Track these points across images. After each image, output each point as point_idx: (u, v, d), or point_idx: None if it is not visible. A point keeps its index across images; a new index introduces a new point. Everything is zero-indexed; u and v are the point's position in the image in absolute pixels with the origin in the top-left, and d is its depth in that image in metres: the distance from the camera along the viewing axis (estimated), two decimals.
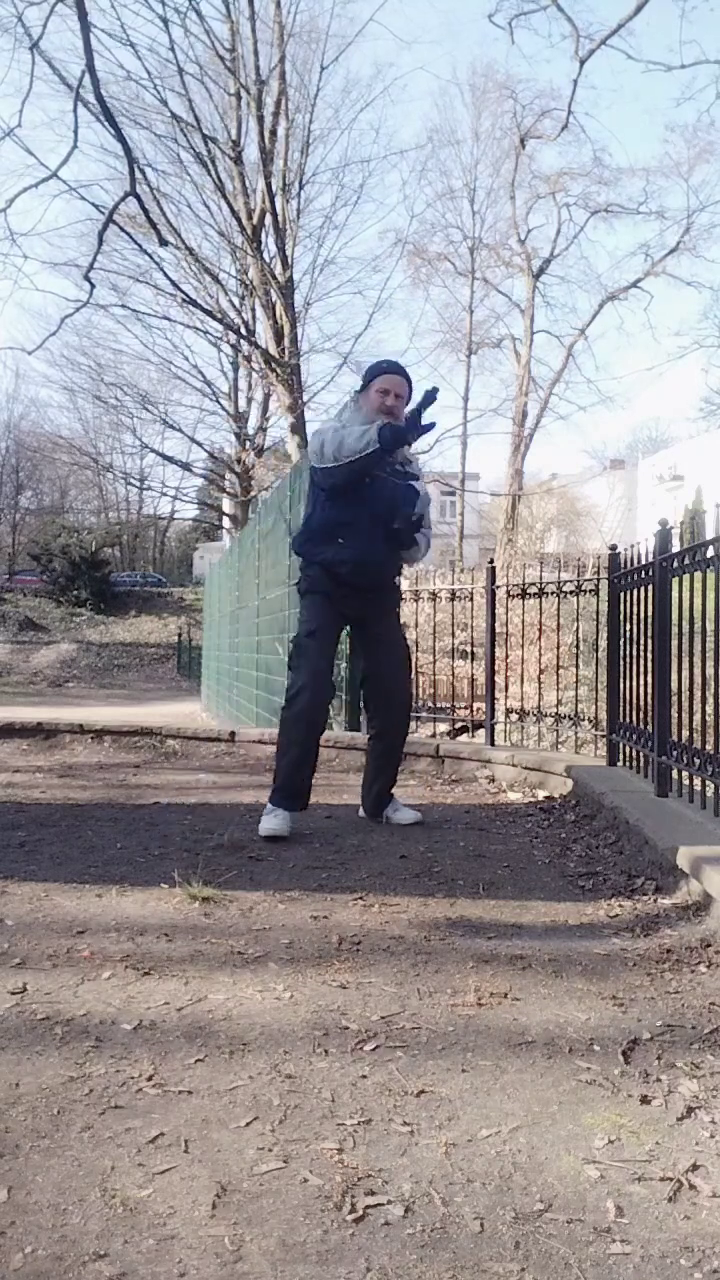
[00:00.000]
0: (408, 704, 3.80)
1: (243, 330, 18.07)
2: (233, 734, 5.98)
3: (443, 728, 6.68)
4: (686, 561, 3.43)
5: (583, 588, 5.02)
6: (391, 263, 30.69)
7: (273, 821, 3.40)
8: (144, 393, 24.62)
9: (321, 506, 3.58)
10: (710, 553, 3.18)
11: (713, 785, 3.14)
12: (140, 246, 13.24)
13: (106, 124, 5.93)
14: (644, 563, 3.89)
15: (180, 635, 31.69)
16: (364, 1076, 1.60)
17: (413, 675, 3.61)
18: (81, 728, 6.10)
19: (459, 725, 6.68)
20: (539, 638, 6.60)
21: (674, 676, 3.57)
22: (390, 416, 3.44)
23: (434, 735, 6.27)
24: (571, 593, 5.09)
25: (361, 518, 3.50)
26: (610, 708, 4.44)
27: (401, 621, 7.07)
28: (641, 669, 3.94)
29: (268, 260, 14.89)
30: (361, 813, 3.83)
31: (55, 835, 3.45)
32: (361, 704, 3.88)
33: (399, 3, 28.92)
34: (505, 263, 26.79)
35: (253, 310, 18.88)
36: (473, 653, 7.87)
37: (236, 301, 19.16)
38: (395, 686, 3.72)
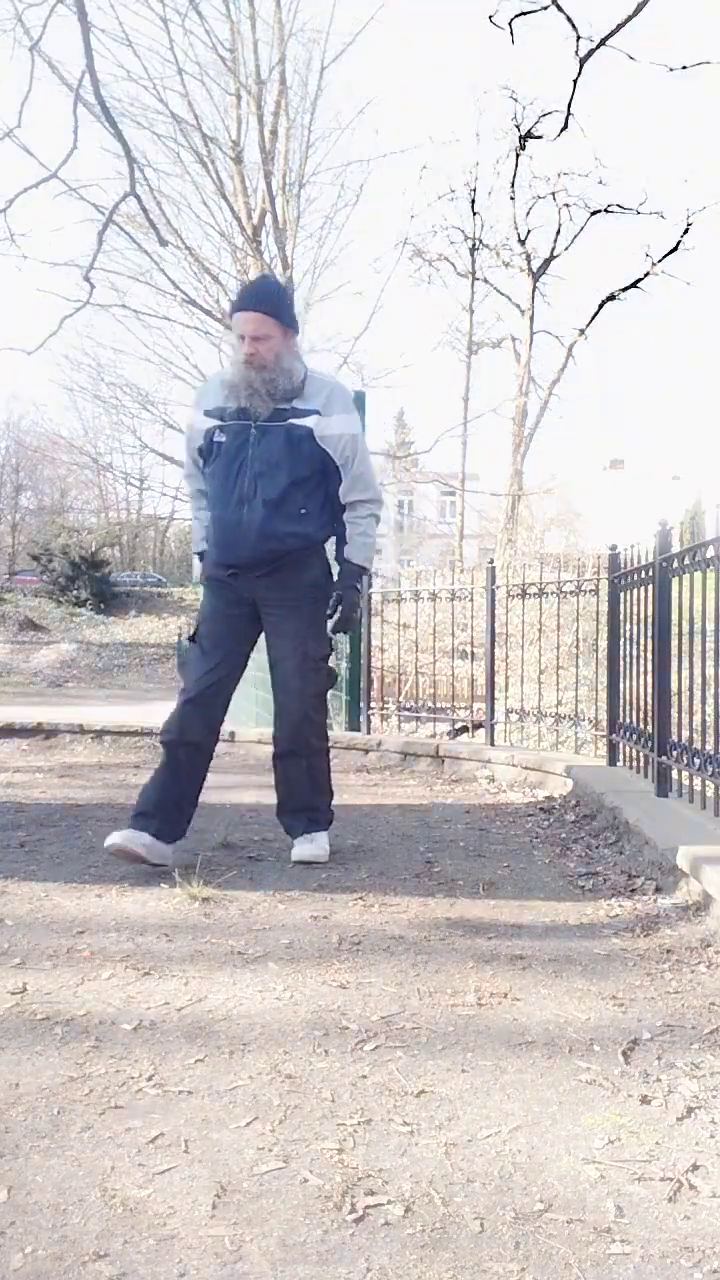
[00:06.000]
0: (300, 711, 2.96)
1: None
2: (232, 734, 5.98)
3: (443, 728, 6.68)
4: (686, 561, 3.43)
5: (583, 588, 5.03)
6: (391, 263, 30.63)
7: (113, 836, 2.86)
8: (144, 393, 24.58)
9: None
10: (710, 553, 3.18)
11: (713, 785, 3.14)
12: (140, 246, 13.22)
13: (106, 124, 5.93)
14: (644, 563, 3.89)
15: (180, 635, 31.65)
16: (364, 1076, 1.60)
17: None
18: (81, 728, 6.10)
19: (459, 725, 6.68)
20: (539, 638, 6.60)
21: (674, 676, 3.57)
22: (253, 365, 2.82)
23: (434, 735, 6.27)
24: (571, 593, 5.09)
25: (229, 480, 2.87)
26: (610, 708, 4.44)
27: (401, 622, 7.12)
28: (641, 669, 3.94)
29: (268, 261, 14.88)
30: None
31: (55, 835, 3.45)
32: None
33: (400, 2, 28.85)
34: (505, 263, 26.77)
35: None
36: (473, 653, 7.86)
37: None
38: (284, 688, 2.97)
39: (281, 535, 2.86)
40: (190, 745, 2.94)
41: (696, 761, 3.26)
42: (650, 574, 3.77)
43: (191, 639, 3.06)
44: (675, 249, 24.80)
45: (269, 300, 2.88)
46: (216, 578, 3.01)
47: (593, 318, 26.49)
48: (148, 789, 2.95)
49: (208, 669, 2.94)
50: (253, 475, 2.85)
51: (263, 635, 3.03)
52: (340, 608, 3.01)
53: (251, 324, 2.82)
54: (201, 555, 3.08)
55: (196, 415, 3.00)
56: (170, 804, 2.91)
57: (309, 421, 2.86)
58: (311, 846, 3.00)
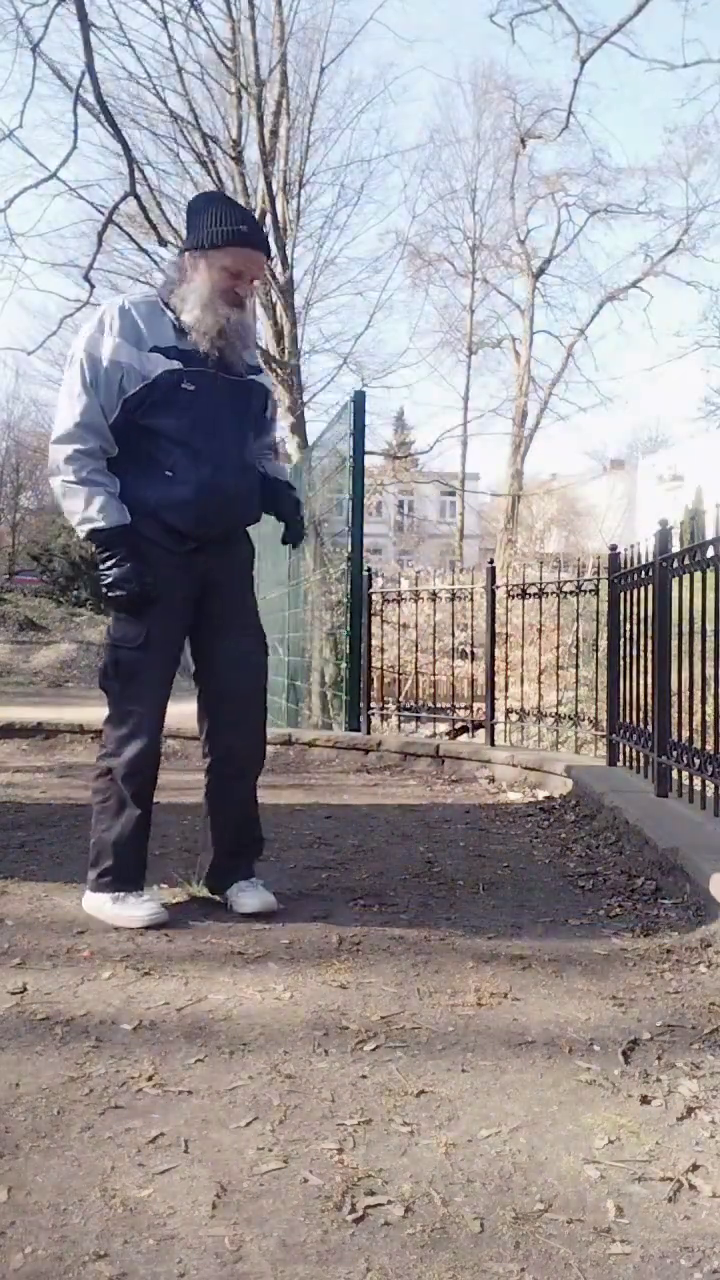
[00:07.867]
0: (261, 711, 2.55)
1: None
2: None
3: (443, 728, 6.68)
4: (686, 561, 3.43)
5: (583, 588, 5.02)
6: (392, 263, 30.64)
7: (146, 909, 2.39)
8: None
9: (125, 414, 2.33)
10: (710, 553, 3.18)
11: (713, 785, 3.14)
12: (140, 246, 13.22)
13: (106, 124, 5.94)
14: (644, 563, 3.89)
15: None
16: (364, 1076, 1.60)
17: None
18: (81, 728, 6.09)
19: (459, 725, 6.68)
20: (539, 638, 6.60)
21: (674, 676, 3.57)
22: (236, 307, 2.32)
23: (434, 735, 6.27)
24: (571, 593, 5.09)
25: (208, 438, 2.36)
26: (610, 708, 4.44)
27: (401, 622, 7.12)
28: (641, 669, 3.94)
29: (268, 261, 14.87)
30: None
31: (55, 835, 3.45)
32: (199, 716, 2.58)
33: (400, 2, 28.89)
34: (505, 263, 26.75)
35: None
36: (473, 653, 7.87)
37: None
38: (244, 684, 2.50)
39: (255, 502, 2.52)
40: (152, 782, 2.52)
41: (696, 761, 3.26)
42: (650, 574, 3.77)
43: (140, 647, 2.39)
44: (675, 249, 24.81)
45: (266, 238, 2.45)
46: (168, 556, 2.38)
47: (592, 318, 26.49)
48: (125, 851, 2.42)
49: (162, 695, 2.44)
50: (232, 434, 2.41)
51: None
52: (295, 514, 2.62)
53: (257, 265, 2.37)
54: (100, 534, 2.30)
55: (130, 349, 2.28)
56: (145, 854, 2.49)
57: (263, 379, 2.51)
58: (262, 894, 2.49)
